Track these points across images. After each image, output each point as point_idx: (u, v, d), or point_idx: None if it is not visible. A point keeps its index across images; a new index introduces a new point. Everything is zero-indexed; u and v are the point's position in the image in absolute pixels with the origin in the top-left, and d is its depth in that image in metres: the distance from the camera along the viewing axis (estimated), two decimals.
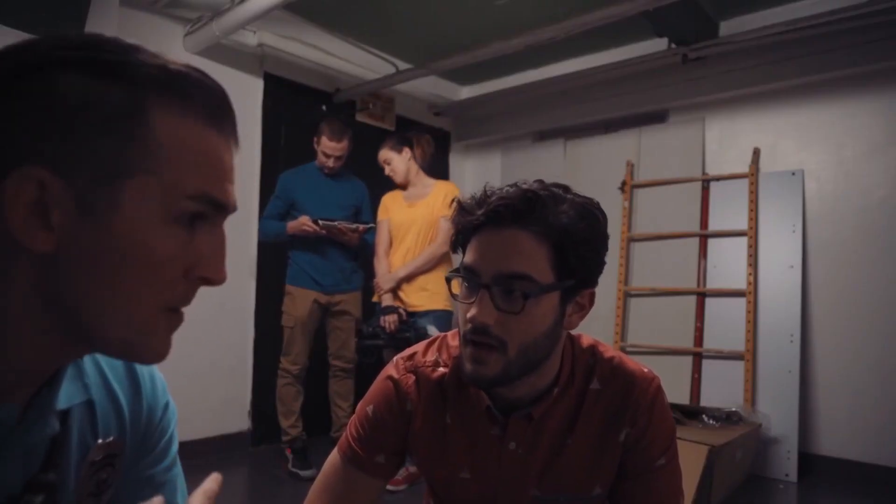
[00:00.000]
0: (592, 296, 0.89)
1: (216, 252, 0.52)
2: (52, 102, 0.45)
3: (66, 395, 0.55)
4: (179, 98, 0.49)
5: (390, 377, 0.99)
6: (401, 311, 2.90)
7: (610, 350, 0.96)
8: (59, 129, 0.45)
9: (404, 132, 3.18)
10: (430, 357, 0.99)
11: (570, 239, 0.81)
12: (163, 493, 0.69)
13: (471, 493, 0.95)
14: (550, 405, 0.90)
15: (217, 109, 0.51)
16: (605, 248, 0.88)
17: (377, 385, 1.01)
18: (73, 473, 0.57)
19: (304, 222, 2.87)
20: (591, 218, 0.84)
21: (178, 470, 0.72)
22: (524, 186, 0.84)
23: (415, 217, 2.95)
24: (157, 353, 0.52)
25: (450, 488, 0.97)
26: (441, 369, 0.97)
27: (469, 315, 0.82)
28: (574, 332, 0.97)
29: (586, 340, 0.97)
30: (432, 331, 2.79)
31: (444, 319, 2.89)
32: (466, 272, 0.84)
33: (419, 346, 1.02)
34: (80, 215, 0.46)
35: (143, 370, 0.67)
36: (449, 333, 1.02)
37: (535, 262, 0.81)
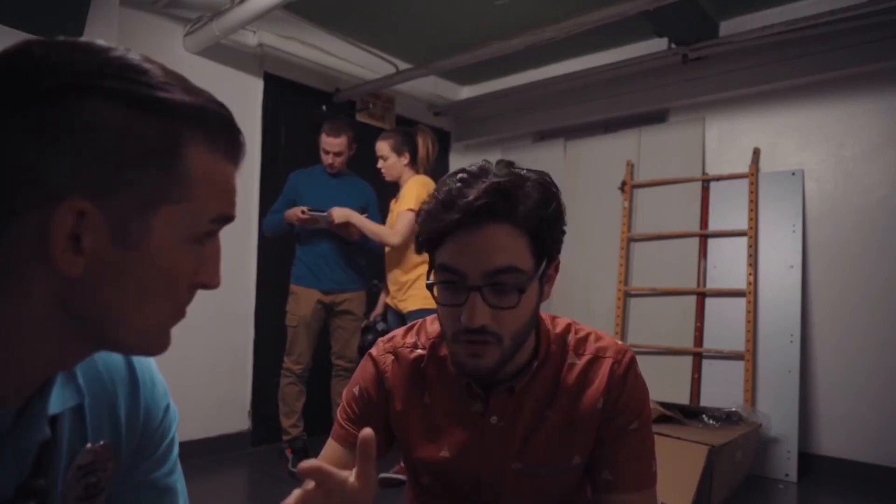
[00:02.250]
0: (558, 264, 0.92)
1: (214, 260, 0.57)
2: (96, 133, 0.47)
3: (58, 400, 0.56)
4: (207, 134, 0.52)
5: (370, 355, 1.04)
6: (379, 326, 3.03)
7: (585, 327, 1.00)
8: (101, 160, 0.47)
9: (409, 129, 3.07)
10: (409, 339, 1.02)
11: (544, 223, 0.84)
12: (164, 499, 0.69)
13: (453, 471, 0.97)
14: (530, 378, 0.93)
15: (234, 144, 0.56)
16: (565, 220, 0.91)
17: (360, 366, 1.05)
18: (62, 478, 0.58)
19: (296, 213, 2.86)
20: (552, 196, 0.87)
21: (180, 475, 0.72)
22: (484, 180, 0.82)
23: (392, 216, 2.93)
24: (165, 346, 0.57)
25: (433, 468, 0.99)
26: (419, 351, 1.00)
27: (464, 320, 0.82)
28: (550, 313, 1.01)
29: (562, 320, 1.01)
30: None
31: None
32: (449, 274, 0.84)
33: (399, 330, 1.06)
34: (114, 241, 0.49)
35: (144, 372, 0.67)
36: (428, 318, 1.05)
37: (519, 253, 0.83)
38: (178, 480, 0.72)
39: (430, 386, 0.98)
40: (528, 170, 0.89)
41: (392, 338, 1.04)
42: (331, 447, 1.02)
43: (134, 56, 0.50)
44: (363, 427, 0.97)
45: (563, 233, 0.90)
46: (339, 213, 2.87)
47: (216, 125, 0.53)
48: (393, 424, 1.01)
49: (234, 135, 0.55)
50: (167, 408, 0.70)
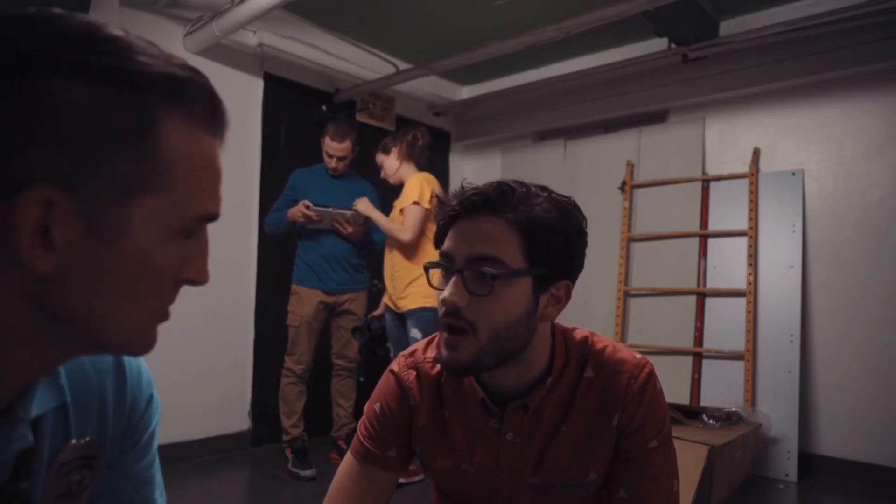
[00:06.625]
0: (568, 289, 0.90)
1: (202, 255, 0.53)
2: (57, 114, 0.42)
3: (40, 402, 0.53)
4: (184, 106, 0.47)
5: (392, 371, 1.02)
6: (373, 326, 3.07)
7: (604, 340, 0.98)
8: (67, 144, 0.42)
9: (395, 133, 3.12)
10: (430, 354, 1.01)
11: (541, 228, 0.83)
12: (144, 491, 0.68)
13: (472, 484, 0.97)
14: (545, 395, 0.92)
15: (214, 114, 0.51)
16: (581, 245, 0.89)
17: (382, 382, 1.04)
18: (43, 478, 0.56)
19: (300, 208, 2.86)
20: (564, 211, 0.86)
21: (157, 467, 0.72)
22: (500, 180, 0.88)
23: (394, 214, 2.92)
24: (149, 347, 0.53)
25: (452, 480, 1.00)
26: (440, 366, 0.99)
27: (441, 297, 0.85)
28: (569, 326, 1.00)
29: (580, 332, 0.99)
30: (415, 333, 2.76)
31: (425, 319, 2.78)
32: (443, 259, 0.88)
33: (420, 344, 1.05)
34: (88, 234, 0.44)
35: (131, 362, 0.66)
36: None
37: (505, 247, 0.83)
38: (157, 472, 0.71)
39: (449, 401, 0.98)
40: (558, 194, 0.89)
41: (413, 352, 1.03)
42: (349, 464, 1.01)
43: (96, 23, 0.45)
44: (382, 444, 0.99)
45: (573, 255, 0.88)
46: (363, 206, 2.90)
47: (191, 94, 0.48)
48: (414, 439, 1.00)
49: (212, 104, 0.50)
50: (150, 398, 0.68)
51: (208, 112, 0.50)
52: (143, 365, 0.68)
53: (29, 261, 0.43)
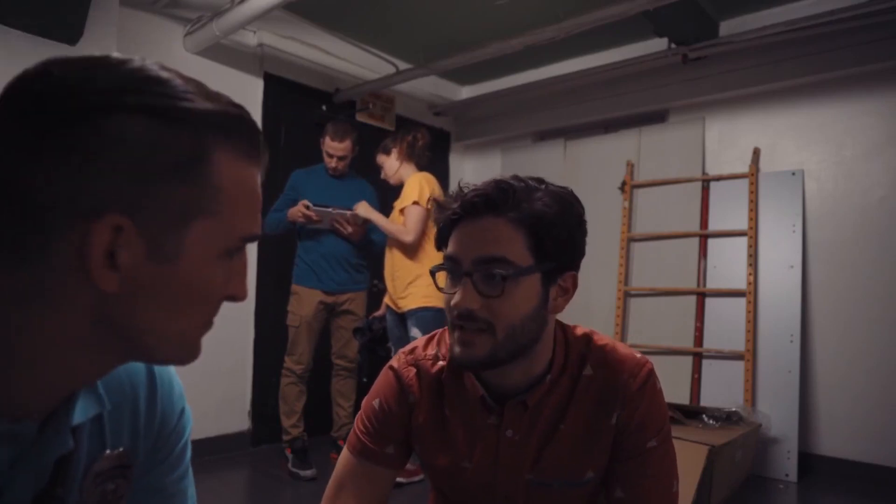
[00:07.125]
0: (575, 279, 0.91)
1: (242, 273, 0.58)
2: (124, 149, 0.47)
3: (81, 410, 0.56)
4: (231, 140, 0.52)
5: (392, 368, 1.02)
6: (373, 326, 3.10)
7: (604, 338, 0.98)
8: (132, 175, 0.47)
9: (395, 133, 3.14)
10: (430, 351, 1.01)
11: (545, 223, 0.84)
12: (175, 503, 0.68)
13: (471, 481, 0.97)
14: (545, 392, 0.92)
15: (255, 145, 0.55)
16: (583, 233, 0.90)
17: (381, 378, 1.03)
18: (79, 486, 0.58)
19: (300, 208, 2.86)
20: (565, 203, 0.87)
21: (191, 479, 0.72)
22: (498, 179, 0.88)
23: (395, 214, 2.92)
24: (196, 356, 0.58)
25: (450, 478, 0.99)
26: (440, 363, 0.99)
27: (453, 302, 0.85)
28: (570, 324, 1.00)
29: (581, 330, 0.99)
30: (416, 333, 2.77)
31: (426, 319, 2.79)
32: (448, 262, 0.88)
33: (420, 341, 1.05)
34: (148, 256, 0.49)
35: (163, 376, 0.67)
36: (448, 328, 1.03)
37: (512, 246, 0.83)
38: (190, 485, 0.72)
39: (448, 398, 0.97)
40: (554, 185, 0.89)
41: (413, 349, 1.03)
42: (346, 460, 1.01)
43: (152, 67, 0.50)
44: (380, 440, 0.98)
45: (576, 245, 0.89)
46: (364, 209, 2.90)
47: (237, 128, 0.53)
48: (413, 436, 1.00)
49: (253, 136, 0.55)
50: (182, 411, 0.70)
51: (250, 144, 0.54)
52: (176, 378, 0.70)
53: (97, 280, 0.47)
